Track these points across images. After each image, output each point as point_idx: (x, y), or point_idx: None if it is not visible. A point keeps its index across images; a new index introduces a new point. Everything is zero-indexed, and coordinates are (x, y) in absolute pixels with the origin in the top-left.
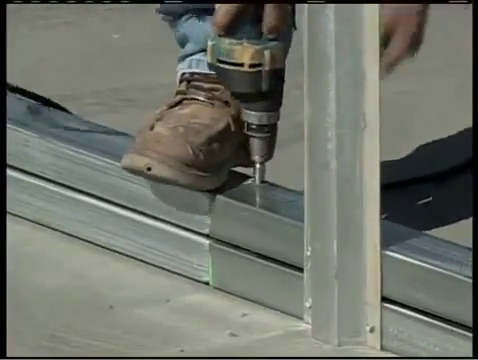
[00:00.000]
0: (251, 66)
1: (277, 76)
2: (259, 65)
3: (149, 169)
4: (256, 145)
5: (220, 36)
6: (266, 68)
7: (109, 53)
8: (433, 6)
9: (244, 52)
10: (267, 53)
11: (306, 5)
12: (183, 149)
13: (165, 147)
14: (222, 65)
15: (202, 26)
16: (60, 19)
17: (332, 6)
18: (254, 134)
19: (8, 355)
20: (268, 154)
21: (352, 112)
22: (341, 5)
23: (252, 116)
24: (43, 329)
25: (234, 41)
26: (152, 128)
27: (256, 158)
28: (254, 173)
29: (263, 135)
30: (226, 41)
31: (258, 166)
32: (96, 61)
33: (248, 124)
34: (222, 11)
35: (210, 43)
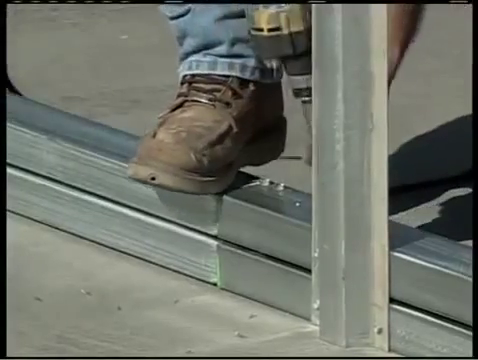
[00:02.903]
0: (269, 30)
1: (299, 39)
2: (277, 29)
3: (153, 179)
4: (309, 109)
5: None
6: (284, 32)
7: (116, 54)
8: (442, 7)
9: (261, 17)
10: (283, 16)
11: (313, 5)
12: (186, 157)
13: (168, 155)
14: (252, 32)
15: (199, 19)
16: (67, 20)
17: (340, 6)
18: (304, 98)
19: (16, 356)
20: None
21: (360, 113)
22: (348, 5)
23: (297, 81)
24: (51, 330)
25: (253, 7)
26: (154, 135)
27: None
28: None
29: (309, 98)
30: (249, 8)
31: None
32: (103, 62)
33: (295, 90)
34: None
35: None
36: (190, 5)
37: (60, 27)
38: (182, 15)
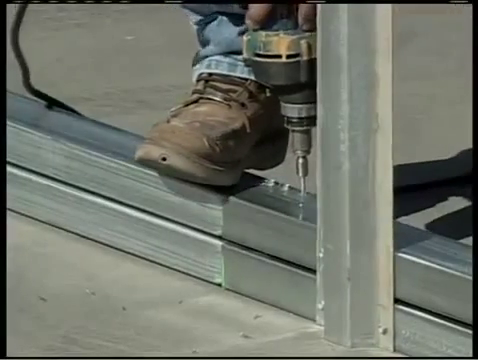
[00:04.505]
0: (288, 57)
1: (315, 66)
2: (296, 55)
3: (164, 159)
4: (297, 139)
5: (255, 30)
6: (304, 58)
7: (122, 55)
8: (445, 7)
9: (281, 43)
10: (304, 43)
11: (318, 6)
12: (199, 141)
13: (181, 138)
14: (259, 58)
15: (225, 30)
16: (73, 21)
17: (345, 7)
18: (294, 128)
19: (21, 356)
20: (310, 147)
21: (365, 113)
22: (354, 6)
23: (291, 109)
24: (56, 330)
25: (270, 33)
26: (168, 122)
27: (298, 152)
28: (297, 168)
29: (303, 128)
30: (262, 34)
31: (301, 161)
32: (109, 63)
33: (287, 118)
34: (257, 4)
35: (245, 38)
36: (217, 15)
37: (65, 27)
38: (207, 23)
